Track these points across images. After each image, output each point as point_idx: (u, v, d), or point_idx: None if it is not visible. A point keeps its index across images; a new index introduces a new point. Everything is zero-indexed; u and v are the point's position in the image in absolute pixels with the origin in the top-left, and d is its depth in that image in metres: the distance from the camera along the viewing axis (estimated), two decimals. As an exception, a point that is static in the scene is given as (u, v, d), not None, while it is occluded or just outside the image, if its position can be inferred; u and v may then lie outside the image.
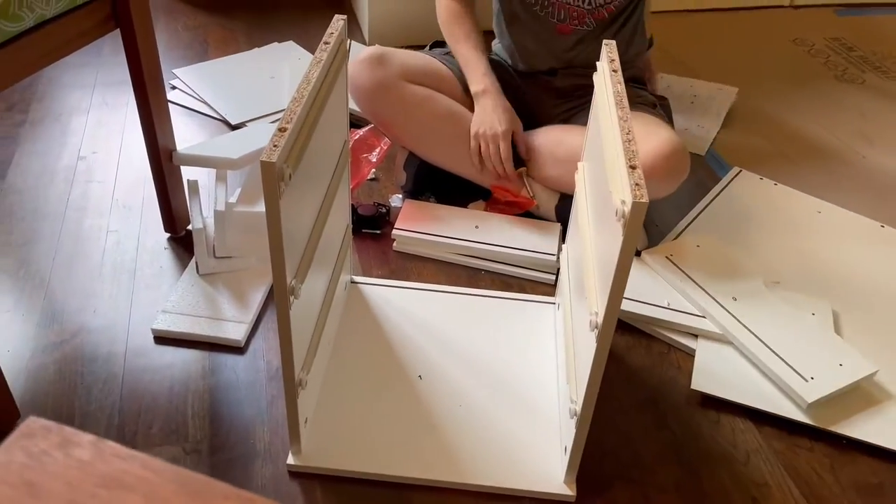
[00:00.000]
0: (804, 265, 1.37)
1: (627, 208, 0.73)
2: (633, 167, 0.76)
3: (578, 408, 0.91)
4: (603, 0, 1.41)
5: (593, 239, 0.95)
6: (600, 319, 0.82)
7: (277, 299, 0.84)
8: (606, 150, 0.87)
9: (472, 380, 1.13)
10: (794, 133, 1.82)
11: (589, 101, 1.42)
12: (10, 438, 0.27)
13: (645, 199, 0.72)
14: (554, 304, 1.28)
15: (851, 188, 1.62)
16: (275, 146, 0.75)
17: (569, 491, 0.99)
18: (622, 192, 0.76)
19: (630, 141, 0.80)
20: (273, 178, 0.75)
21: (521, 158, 1.42)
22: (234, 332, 1.19)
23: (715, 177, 1.61)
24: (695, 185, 1.57)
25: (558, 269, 1.34)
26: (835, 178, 1.66)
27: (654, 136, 1.28)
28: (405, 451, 1.03)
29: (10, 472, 0.26)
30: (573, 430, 0.93)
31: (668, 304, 1.26)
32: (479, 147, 1.40)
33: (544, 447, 1.04)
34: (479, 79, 1.41)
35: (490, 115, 1.39)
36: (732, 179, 1.58)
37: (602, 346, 0.83)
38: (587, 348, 0.88)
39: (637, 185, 0.74)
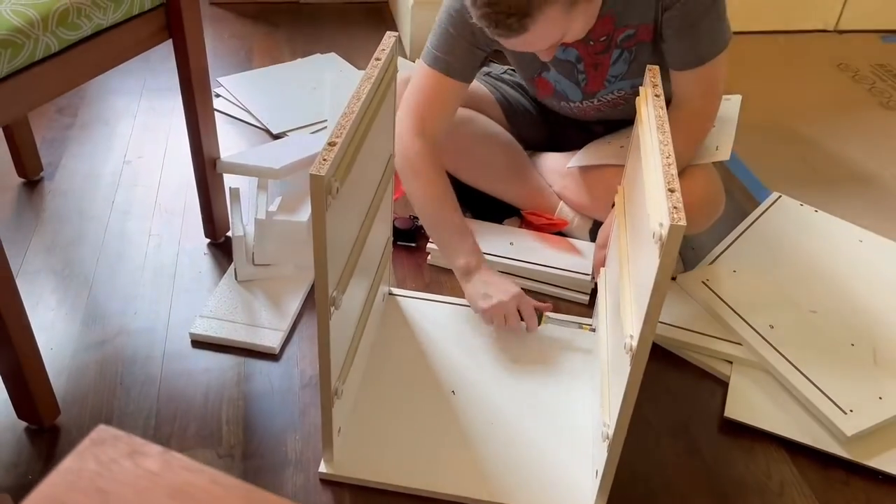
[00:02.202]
0: (844, 295, 1.35)
1: (665, 231, 0.73)
2: (671, 190, 0.76)
3: (611, 431, 0.90)
4: (614, 97, 1.35)
5: (630, 262, 0.95)
6: (635, 343, 0.82)
7: (319, 309, 0.85)
8: (646, 174, 0.87)
9: (506, 398, 1.13)
10: (837, 159, 1.79)
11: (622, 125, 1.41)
12: (82, 446, 0.28)
13: (683, 223, 0.72)
14: (592, 329, 1.27)
15: (894, 217, 1.59)
16: (324, 160, 0.77)
17: None
18: (660, 214, 0.76)
19: (670, 165, 0.80)
20: (321, 191, 0.76)
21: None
22: (270, 339, 1.21)
23: (754, 202, 1.59)
24: (733, 209, 1.55)
25: (594, 290, 1.34)
26: (877, 207, 1.63)
27: (689, 172, 1.28)
28: (436, 465, 1.03)
29: (81, 478, 0.27)
30: (605, 454, 0.93)
31: (704, 330, 1.25)
32: (495, 320, 1.20)
33: (576, 470, 1.04)
34: (468, 252, 1.20)
35: (493, 287, 1.19)
36: (772, 205, 1.56)
37: (636, 370, 0.83)
38: (621, 371, 0.88)
39: (675, 208, 0.74)
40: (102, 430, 0.29)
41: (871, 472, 1.08)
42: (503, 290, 1.18)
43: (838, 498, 1.05)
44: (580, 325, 1.23)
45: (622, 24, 1.22)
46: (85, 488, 0.26)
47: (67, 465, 0.27)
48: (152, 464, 0.28)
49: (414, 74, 1.30)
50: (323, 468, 1.02)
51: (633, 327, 0.85)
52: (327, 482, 1.02)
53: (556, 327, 1.25)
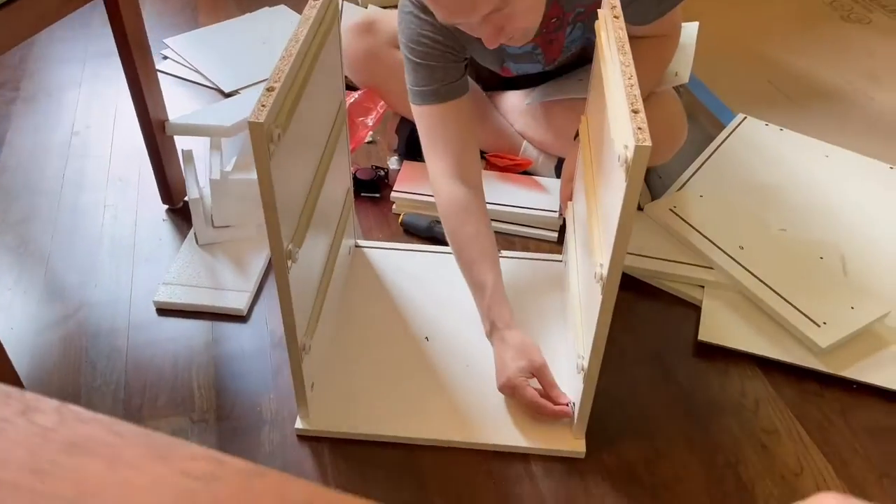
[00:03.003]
0: (812, 210, 1.35)
1: (630, 153, 0.71)
2: (635, 111, 0.74)
3: (586, 363, 0.90)
4: (571, 52, 1.29)
5: (597, 191, 0.93)
6: (605, 271, 0.81)
7: (276, 264, 0.83)
8: (608, 96, 0.85)
9: (480, 340, 1.12)
10: (800, 76, 1.77)
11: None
12: (-30, 407, 0.26)
13: (648, 143, 0.70)
14: (560, 261, 1.26)
15: (860, 130, 1.58)
16: (263, 106, 0.73)
17: (578, 447, 0.98)
18: (625, 136, 0.74)
19: (632, 85, 0.78)
20: (262, 138, 0.73)
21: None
22: (236, 301, 1.19)
23: (719, 125, 1.57)
24: (698, 134, 1.53)
25: (562, 227, 1.32)
26: (843, 121, 1.62)
27: (651, 99, 1.26)
28: (414, 412, 1.02)
29: (-32, 441, 0.25)
30: (581, 385, 0.93)
31: (674, 258, 1.24)
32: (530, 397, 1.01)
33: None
34: (486, 312, 1.06)
35: (506, 359, 1.02)
36: (737, 127, 1.54)
37: (608, 298, 0.82)
38: (593, 302, 0.87)
39: (640, 128, 0.72)
40: (-8, 389, 0.26)
41: (845, 382, 1.09)
42: (512, 365, 1.00)
43: (813, 410, 1.06)
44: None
45: (570, 8, 1.17)
46: (-29, 451, 0.24)
47: (-46, 429, 0.25)
48: (46, 419, 0.26)
49: (416, 122, 1.18)
50: (299, 424, 1.01)
51: (602, 255, 0.84)
52: (305, 438, 1.01)
53: (528, 265, 1.24)
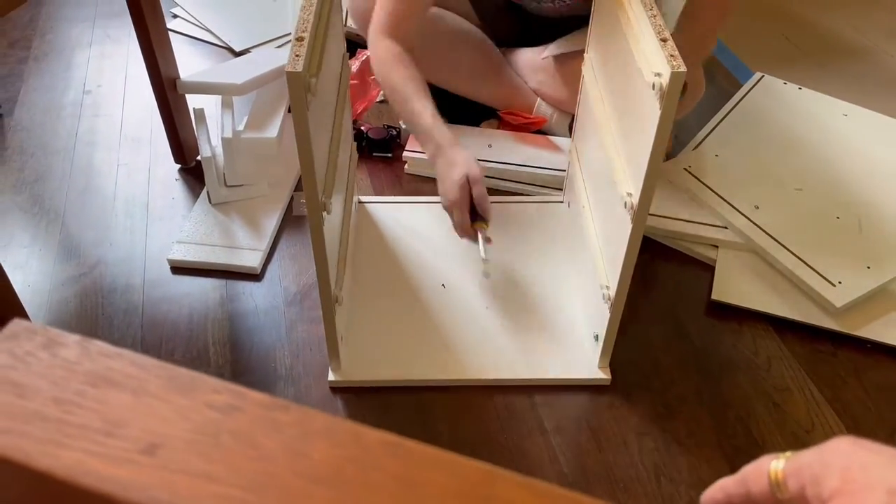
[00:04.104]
0: (828, 170, 1.33)
1: (665, 80, 0.72)
2: (664, 40, 0.75)
3: (612, 292, 0.91)
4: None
5: (616, 126, 0.93)
6: (636, 200, 0.81)
7: (311, 216, 0.83)
8: (631, 29, 0.84)
9: (495, 283, 1.14)
10: (820, 33, 1.74)
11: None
12: (-5, 341, 0.26)
13: (683, 69, 0.71)
14: (562, 202, 1.27)
15: (880, 89, 1.56)
16: (297, 56, 0.72)
17: (603, 375, 1.00)
18: (656, 65, 0.75)
19: (655, 16, 0.78)
20: (300, 88, 0.72)
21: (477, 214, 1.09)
22: (250, 259, 1.19)
23: (736, 83, 1.55)
24: (716, 93, 1.51)
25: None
26: (862, 80, 1.59)
27: None
28: (439, 355, 1.04)
29: (-5, 373, 0.25)
30: (606, 315, 0.94)
31: (689, 217, 1.23)
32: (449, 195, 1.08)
33: (574, 339, 1.06)
34: (424, 136, 1.10)
35: (445, 177, 1.07)
36: (754, 85, 1.52)
37: (638, 226, 0.84)
38: (619, 232, 0.88)
39: (672, 55, 0.73)
40: (16, 325, 0.27)
41: (858, 341, 1.09)
42: (451, 182, 1.05)
43: (826, 369, 1.06)
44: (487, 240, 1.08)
45: None
46: (-2, 382, 0.25)
47: (-20, 362, 0.26)
48: (70, 353, 0.26)
49: None
50: (331, 376, 1.02)
51: (630, 185, 0.85)
52: (336, 390, 1.02)
53: (533, 208, 1.25)
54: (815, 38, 1.72)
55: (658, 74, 0.74)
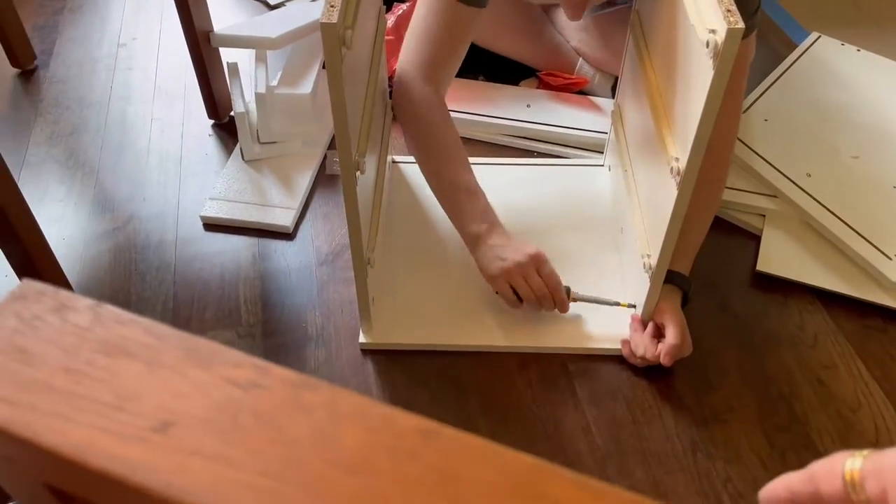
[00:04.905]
0: (888, 137, 1.26)
1: (720, 38, 0.67)
2: None
3: (654, 261, 0.88)
4: None
5: (664, 86, 0.88)
6: (683, 165, 0.78)
7: (344, 176, 0.80)
8: None
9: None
10: (882, -7, 1.64)
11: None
12: (2, 302, 0.25)
13: (740, 25, 0.67)
14: (602, 165, 1.23)
15: (945, 53, 1.47)
16: (332, 6, 0.69)
17: None
18: (711, 21, 0.70)
19: None
20: (335, 41, 0.69)
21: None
22: (283, 217, 1.17)
23: (791, 44, 1.47)
24: (768, 54, 1.44)
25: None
26: (926, 43, 1.50)
27: None
28: (472, 321, 1.02)
29: (0, 338, 0.23)
30: (647, 284, 0.91)
31: (734, 185, 1.18)
32: (512, 289, 0.98)
33: (611, 307, 1.01)
34: (480, 216, 0.99)
35: (508, 249, 0.97)
36: (810, 46, 1.44)
37: (684, 193, 0.80)
38: (665, 198, 0.84)
39: (729, 10, 0.68)
40: (25, 285, 0.25)
41: (911, 318, 1.04)
42: (519, 252, 0.95)
43: (875, 346, 1.01)
44: (616, 303, 1.00)
45: None
46: (3, 348, 0.23)
47: (-14, 325, 0.24)
48: (81, 318, 0.24)
49: (420, 4, 1.04)
50: (362, 338, 1.01)
51: (677, 150, 0.81)
52: (367, 352, 1.01)
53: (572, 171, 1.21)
54: (877, -3, 1.63)
55: (713, 31, 0.69)
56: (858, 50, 1.43)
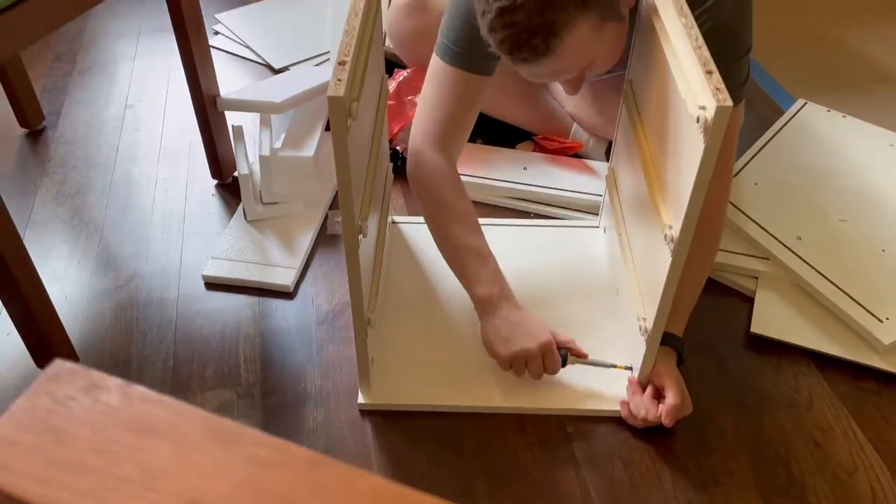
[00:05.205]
0: (874, 201, 1.29)
1: (710, 114, 0.70)
2: (709, 72, 0.73)
3: (649, 324, 0.89)
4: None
5: (656, 155, 0.91)
6: (676, 233, 0.80)
7: (346, 239, 0.83)
8: (674, 59, 0.82)
9: (529, 307, 1.12)
10: (865, 59, 1.70)
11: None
12: (36, 382, 0.26)
13: (728, 103, 0.70)
14: (598, 227, 1.26)
15: (928, 119, 1.51)
16: (339, 80, 0.72)
17: None
18: (700, 98, 0.73)
19: (700, 47, 0.76)
20: (341, 113, 0.72)
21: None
22: (284, 277, 1.19)
23: (778, 110, 1.52)
24: (756, 120, 1.49)
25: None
26: (910, 109, 1.55)
27: None
28: (470, 382, 1.03)
29: (34, 418, 0.25)
30: (643, 347, 0.92)
31: (726, 247, 1.21)
32: (514, 368, 1.01)
33: (608, 369, 1.02)
34: (489, 280, 1.01)
35: (519, 330, 0.98)
36: (797, 112, 1.49)
37: (678, 260, 0.82)
38: (659, 264, 0.86)
39: (717, 89, 0.71)
40: (58, 366, 0.26)
41: (904, 381, 1.05)
42: (530, 337, 0.97)
43: (870, 409, 1.02)
44: (613, 366, 1.01)
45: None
46: (37, 427, 0.24)
47: (20, 405, 0.25)
48: (111, 398, 0.25)
49: (430, 73, 1.08)
50: (361, 399, 1.01)
51: (671, 218, 0.83)
52: (365, 413, 1.01)
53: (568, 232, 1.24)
54: (861, 65, 1.69)
55: (703, 108, 0.72)
56: (844, 116, 1.48)
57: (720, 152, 0.74)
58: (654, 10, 0.93)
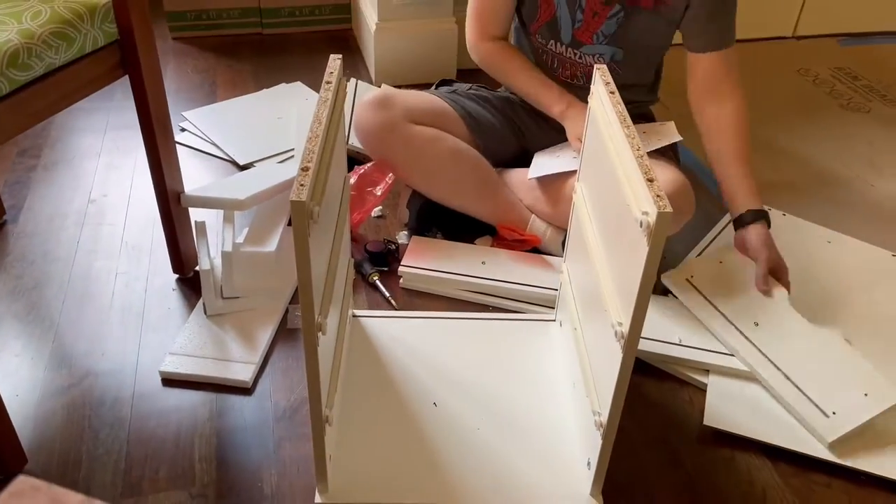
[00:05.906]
0: (814, 296, 1.35)
1: (651, 219, 0.75)
2: (650, 180, 0.78)
3: (604, 419, 0.91)
4: (592, 60, 1.41)
5: (605, 254, 0.95)
6: (626, 329, 0.83)
7: (306, 337, 0.84)
8: (619, 167, 0.88)
9: (488, 402, 1.14)
10: (802, 163, 1.81)
11: None
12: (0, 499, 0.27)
13: (668, 209, 0.74)
14: (554, 320, 1.29)
15: (861, 218, 1.61)
16: (301, 185, 0.76)
17: (596, 502, 0.98)
18: (643, 204, 0.78)
19: (641, 156, 0.82)
20: (304, 216, 0.75)
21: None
22: (242, 372, 1.19)
23: (722, 209, 1.60)
24: (702, 217, 1.56)
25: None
26: (844, 208, 1.64)
27: (658, 175, 1.29)
28: (429, 479, 1.02)
29: (-3, 535, 0.25)
30: (599, 442, 0.93)
31: (680, 341, 1.25)
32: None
33: (567, 463, 1.04)
34: (558, 98, 1.42)
35: (581, 116, 1.33)
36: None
37: (628, 356, 0.84)
38: (610, 358, 0.88)
39: (658, 196, 0.76)
40: (21, 482, 0.27)
41: (853, 472, 1.07)
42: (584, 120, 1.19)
43: (821, 501, 1.04)
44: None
45: None
46: (-1, 545, 0.25)
47: (-18, 522, 0.26)
48: (72, 514, 0.26)
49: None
50: (318, 499, 1.00)
51: (620, 315, 0.86)
52: None
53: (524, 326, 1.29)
54: (797, 167, 1.80)
55: (645, 213, 0.77)
56: (784, 214, 1.57)
57: (726, 79, 1.30)
58: (594, 120, 1.00)
